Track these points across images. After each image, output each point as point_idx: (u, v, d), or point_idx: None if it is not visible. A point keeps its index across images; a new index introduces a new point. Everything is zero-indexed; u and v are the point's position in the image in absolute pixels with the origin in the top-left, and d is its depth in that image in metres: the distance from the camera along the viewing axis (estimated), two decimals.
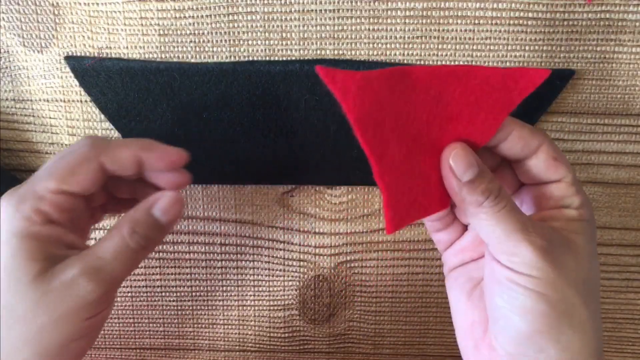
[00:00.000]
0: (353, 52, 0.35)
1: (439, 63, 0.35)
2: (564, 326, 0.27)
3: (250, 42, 0.35)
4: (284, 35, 0.35)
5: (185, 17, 0.35)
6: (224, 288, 0.41)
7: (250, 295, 0.41)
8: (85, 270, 0.27)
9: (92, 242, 0.31)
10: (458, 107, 0.29)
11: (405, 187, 0.29)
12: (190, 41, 0.35)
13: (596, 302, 0.29)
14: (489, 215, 0.28)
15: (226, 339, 0.43)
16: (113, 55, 0.36)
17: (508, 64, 0.35)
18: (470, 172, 0.28)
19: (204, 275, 0.41)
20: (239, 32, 0.35)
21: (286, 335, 0.42)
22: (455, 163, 0.28)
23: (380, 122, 0.28)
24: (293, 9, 0.35)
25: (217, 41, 0.35)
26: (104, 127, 0.37)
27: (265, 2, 0.34)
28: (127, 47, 0.35)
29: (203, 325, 0.42)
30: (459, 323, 0.32)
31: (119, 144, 0.29)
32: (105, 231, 0.40)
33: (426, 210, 0.30)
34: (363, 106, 0.27)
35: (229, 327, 0.42)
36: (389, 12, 0.34)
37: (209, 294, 0.41)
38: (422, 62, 0.35)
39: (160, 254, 0.40)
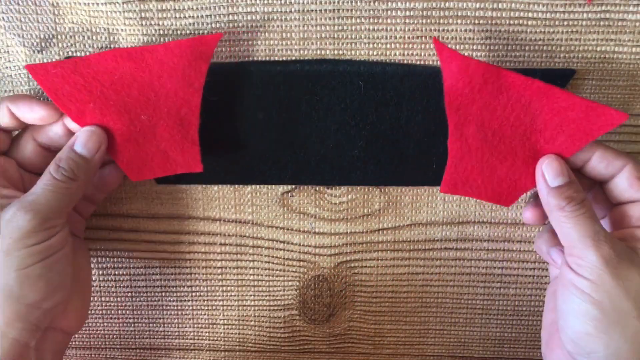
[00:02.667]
0: (353, 52, 0.35)
1: (439, 63, 0.35)
2: (616, 334, 0.30)
3: (250, 42, 0.35)
4: (284, 35, 0.35)
5: (185, 17, 0.35)
6: (224, 288, 0.41)
7: (250, 295, 0.41)
8: (22, 206, 0.31)
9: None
10: (544, 123, 0.33)
11: (469, 165, 0.34)
12: None
13: None
14: (568, 218, 0.31)
15: (226, 339, 0.43)
16: None
17: (508, 64, 0.35)
18: (559, 180, 0.32)
19: (204, 275, 0.41)
20: (239, 32, 0.35)
21: (286, 335, 0.42)
22: (547, 170, 0.33)
23: (468, 104, 0.33)
24: (293, 9, 0.35)
25: None
26: None
27: (265, 2, 0.34)
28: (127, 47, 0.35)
29: (203, 325, 0.42)
30: (543, 321, 0.36)
31: None
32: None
33: (480, 195, 0.35)
34: (458, 82, 0.32)
35: (229, 327, 0.42)
36: (389, 12, 0.34)
37: (209, 294, 0.41)
38: (422, 62, 0.35)
39: (161, 254, 0.40)
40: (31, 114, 0.33)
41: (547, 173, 0.33)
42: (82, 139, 0.33)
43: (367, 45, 0.35)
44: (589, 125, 0.32)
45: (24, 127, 0.35)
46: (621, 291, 0.29)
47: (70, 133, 0.34)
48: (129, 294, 0.41)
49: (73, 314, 0.34)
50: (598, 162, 0.33)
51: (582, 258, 0.30)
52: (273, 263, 0.40)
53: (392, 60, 0.35)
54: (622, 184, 0.32)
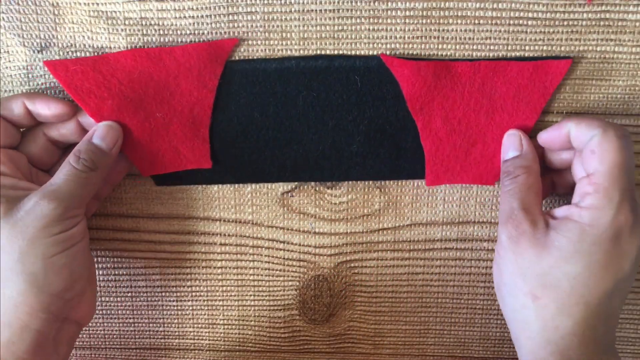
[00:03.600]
0: (353, 53, 0.35)
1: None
2: (510, 305, 0.33)
3: (250, 42, 0.35)
4: (284, 35, 0.35)
5: (185, 17, 0.35)
6: (224, 288, 0.41)
7: (250, 295, 0.41)
8: (44, 195, 0.31)
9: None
10: (501, 98, 0.35)
11: (444, 155, 0.36)
12: (190, 41, 0.35)
13: (554, 299, 0.31)
14: (502, 193, 0.34)
15: (226, 339, 0.43)
16: None
17: None
18: (508, 154, 0.35)
19: (204, 275, 0.41)
20: (239, 32, 0.35)
21: (286, 335, 0.42)
22: (503, 144, 0.35)
23: (428, 102, 0.35)
24: (293, 9, 0.35)
25: None
26: None
27: (265, 2, 0.34)
28: (127, 47, 0.35)
29: (203, 325, 0.42)
30: None
31: (10, 96, 0.34)
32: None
33: (463, 179, 0.37)
34: (414, 85, 0.35)
35: (229, 327, 0.42)
36: (389, 12, 0.34)
37: (209, 294, 0.41)
38: None
39: (160, 254, 0.40)
40: (47, 110, 0.34)
41: (502, 147, 0.35)
42: (101, 132, 0.34)
43: (367, 45, 0.35)
44: (541, 84, 0.34)
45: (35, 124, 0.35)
46: (513, 267, 0.32)
47: (83, 130, 0.35)
48: (129, 294, 0.41)
49: (86, 306, 0.35)
50: (575, 138, 0.32)
51: (499, 233, 0.33)
52: (273, 263, 0.40)
53: None
54: (584, 157, 0.31)
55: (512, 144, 0.34)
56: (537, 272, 0.31)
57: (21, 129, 0.35)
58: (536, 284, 0.31)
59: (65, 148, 0.37)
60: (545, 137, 0.34)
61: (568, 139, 0.32)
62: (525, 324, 0.32)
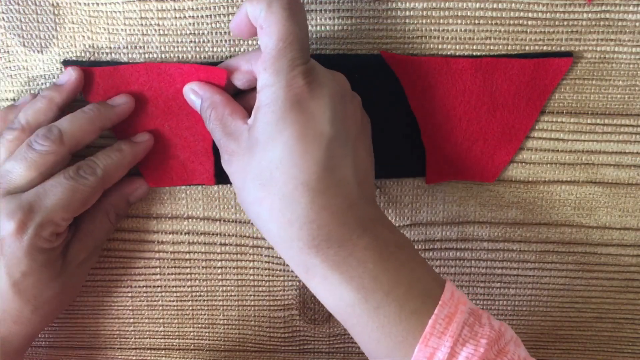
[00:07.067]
0: (353, 53, 0.35)
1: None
2: (255, 222, 0.31)
3: (250, 42, 0.35)
4: None
5: (185, 17, 0.35)
6: (224, 288, 0.41)
7: (250, 295, 0.41)
8: (92, 251, 0.36)
9: None
10: (503, 96, 0.35)
11: (445, 152, 0.36)
12: (190, 41, 0.35)
13: (275, 193, 0.29)
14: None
15: (226, 339, 0.43)
16: (113, 56, 0.36)
17: None
18: (196, 106, 0.34)
19: (204, 276, 0.41)
20: None
21: (286, 335, 0.42)
22: (188, 102, 0.35)
23: (429, 98, 0.35)
24: None
25: (217, 41, 0.35)
26: None
27: None
28: (127, 47, 0.35)
29: (203, 325, 0.42)
30: None
31: (40, 111, 0.34)
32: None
33: (463, 176, 0.37)
34: (415, 82, 0.35)
35: (229, 327, 0.42)
36: (389, 12, 0.34)
37: (209, 294, 0.41)
38: None
39: (160, 254, 0.40)
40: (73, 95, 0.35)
41: (190, 104, 0.34)
42: (140, 196, 0.38)
43: (367, 45, 0.35)
44: (542, 82, 0.34)
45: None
46: (238, 184, 0.31)
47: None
48: (129, 294, 0.41)
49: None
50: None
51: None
52: (273, 263, 0.40)
53: None
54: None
55: (191, 100, 0.33)
56: (252, 177, 0.29)
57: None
58: (256, 188, 0.29)
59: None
60: (233, 26, 0.31)
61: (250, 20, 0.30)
62: (269, 233, 0.30)
